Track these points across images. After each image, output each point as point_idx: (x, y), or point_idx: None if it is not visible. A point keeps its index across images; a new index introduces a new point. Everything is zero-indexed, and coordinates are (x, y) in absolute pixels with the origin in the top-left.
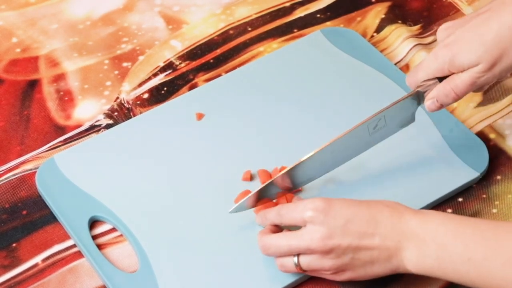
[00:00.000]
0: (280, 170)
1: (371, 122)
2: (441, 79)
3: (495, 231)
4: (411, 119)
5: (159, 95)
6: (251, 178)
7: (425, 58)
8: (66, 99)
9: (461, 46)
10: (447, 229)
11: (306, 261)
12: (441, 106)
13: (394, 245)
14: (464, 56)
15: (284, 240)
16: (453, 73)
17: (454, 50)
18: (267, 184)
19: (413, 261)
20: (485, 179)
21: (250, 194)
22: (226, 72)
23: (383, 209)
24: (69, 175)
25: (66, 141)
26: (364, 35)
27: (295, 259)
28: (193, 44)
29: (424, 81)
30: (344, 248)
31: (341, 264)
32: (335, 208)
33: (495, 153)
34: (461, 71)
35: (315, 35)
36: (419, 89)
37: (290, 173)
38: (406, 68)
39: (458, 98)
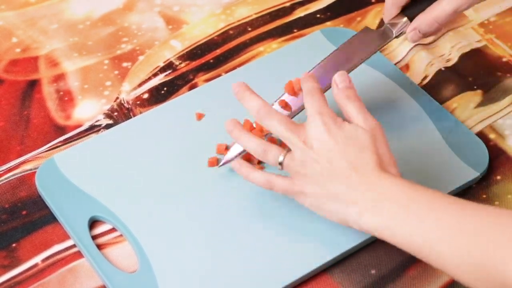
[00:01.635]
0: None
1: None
2: (411, 19)
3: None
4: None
5: (159, 95)
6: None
7: None
8: (66, 99)
9: None
10: (417, 202)
11: (289, 160)
12: (423, 36)
13: (355, 197)
14: None
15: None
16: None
17: None
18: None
19: (368, 218)
20: (485, 179)
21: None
22: (226, 72)
23: (368, 162)
24: (69, 175)
25: (66, 141)
26: None
27: (282, 156)
28: (193, 44)
29: (395, 17)
30: (320, 168)
31: (308, 182)
32: (336, 128)
33: (495, 153)
34: None
35: (315, 35)
36: (387, 24)
37: None
38: (406, 68)
39: (440, 27)
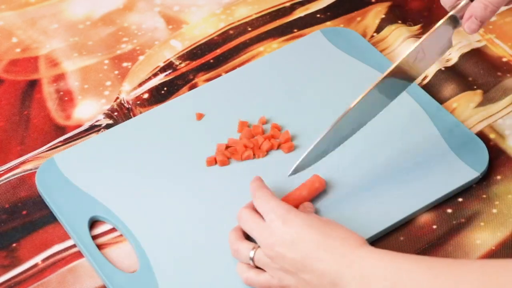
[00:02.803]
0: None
1: (410, 56)
2: None
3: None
4: (449, 44)
5: (159, 95)
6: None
7: None
8: (66, 99)
9: None
10: (399, 270)
11: (260, 255)
12: (481, 24)
13: (337, 275)
14: None
15: (249, 223)
16: None
17: None
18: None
19: None
20: (485, 179)
21: (305, 153)
22: (226, 72)
23: (336, 238)
24: (69, 175)
25: (66, 141)
26: (364, 35)
27: (252, 252)
28: (193, 44)
29: (456, 1)
30: (289, 260)
31: (284, 274)
32: (291, 218)
33: (495, 153)
34: None
35: (315, 35)
36: (453, 13)
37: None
38: None
39: (496, 9)
